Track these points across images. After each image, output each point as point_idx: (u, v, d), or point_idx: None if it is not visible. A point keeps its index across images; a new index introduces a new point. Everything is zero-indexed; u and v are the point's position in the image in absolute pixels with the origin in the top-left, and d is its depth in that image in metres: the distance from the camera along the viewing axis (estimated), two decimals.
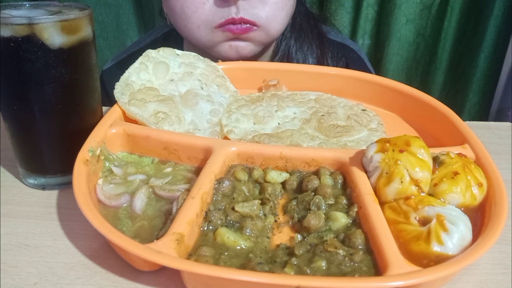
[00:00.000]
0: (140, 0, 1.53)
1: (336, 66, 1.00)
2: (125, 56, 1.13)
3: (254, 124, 0.66)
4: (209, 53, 0.91)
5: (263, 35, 0.87)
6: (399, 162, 0.48)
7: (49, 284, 0.43)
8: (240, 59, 0.89)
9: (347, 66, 1.03)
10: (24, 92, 0.53)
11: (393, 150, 0.49)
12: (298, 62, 1.00)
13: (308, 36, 1.01)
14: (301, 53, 1.00)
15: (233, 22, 0.83)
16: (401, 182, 0.48)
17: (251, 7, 0.83)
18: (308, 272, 0.41)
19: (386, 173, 0.49)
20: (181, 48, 1.07)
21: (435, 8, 1.42)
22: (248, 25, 0.84)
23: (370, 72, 1.03)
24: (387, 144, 0.50)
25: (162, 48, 0.72)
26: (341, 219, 0.49)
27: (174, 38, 1.10)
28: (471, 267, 0.43)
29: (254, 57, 0.95)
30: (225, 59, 0.88)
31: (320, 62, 1.01)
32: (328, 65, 1.01)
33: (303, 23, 1.00)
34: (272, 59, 1.02)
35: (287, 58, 1.00)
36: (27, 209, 0.54)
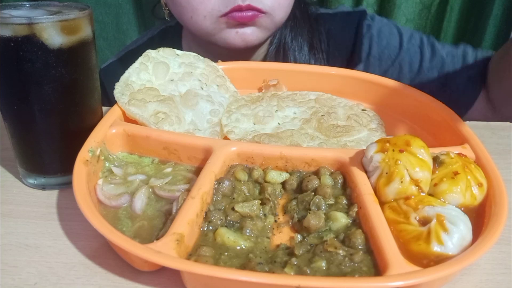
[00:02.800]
0: (140, 0, 1.54)
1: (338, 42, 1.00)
2: (123, 54, 1.13)
3: (254, 124, 0.66)
4: (213, 42, 0.90)
5: (269, 21, 0.88)
6: (399, 162, 0.48)
7: (49, 284, 0.43)
8: (246, 47, 0.89)
9: (358, 29, 1.00)
10: (24, 92, 0.53)
11: (393, 150, 0.49)
12: (294, 51, 0.99)
13: (301, 23, 1.00)
14: (296, 42, 1.00)
15: (239, 9, 0.83)
16: (401, 182, 0.48)
17: None
18: (308, 272, 0.41)
19: (386, 173, 0.49)
20: (179, 45, 1.08)
21: (434, 8, 1.42)
22: (253, 12, 0.84)
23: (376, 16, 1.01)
24: (387, 144, 0.50)
25: (162, 48, 0.72)
26: (341, 219, 0.49)
27: (171, 35, 1.11)
28: (471, 267, 0.43)
29: (253, 48, 0.95)
30: (230, 46, 0.88)
31: (312, 46, 1.00)
32: (321, 46, 1.00)
33: (296, 11, 1.00)
34: (268, 50, 1.01)
35: (283, 47, 0.99)
36: (27, 209, 0.54)
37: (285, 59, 1.00)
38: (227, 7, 0.83)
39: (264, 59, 1.02)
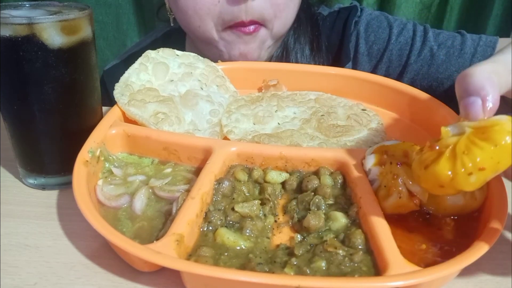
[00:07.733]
0: (140, 0, 1.54)
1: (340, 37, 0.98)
2: (126, 57, 1.13)
3: (254, 124, 0.66)
4: (218, 52, 0.91)
5: (267, 35, 0.88)
6: (396, 176, 0.48)
7: (49, 284, 0.43)
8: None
9: (345, 27, 0.98)
10: (24, 92, 0.53)
11: (391, 163, 0.49)
12: (296, 52, 0.98)
13: (304, 24, 0.99)
14: (299, 43, 0.99)
15: (243, 25, 0.83)
16: (399, 197, 0.47)
17: (259, 8, 0.83)
18: (308, 272, 0.41)
19: (385, 186, 0.49)
20: (183, 48, 1.07)
21: (434, 8, 1.42)
22: (255, 25, 0.84)
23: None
24: (385, 156, 0.50)
25: (161, 48, 0.72)
26: (341, 219, 0.49)
27: (175, 38, 1.10)
28: (471, 267, 0.43)
29: None
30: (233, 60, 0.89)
31: (313, 48, 0.99)
32: (322, 47, 0.99)
33: (301, 13, 0.99)
34: (271, 52, 1.01)
35: (286, 50, 0.99)
36: (27, 209, 0.54)
37: (287, 61, 0.99)
38: (231, 21, 0.84)
39: (269, 61, 1.02)
